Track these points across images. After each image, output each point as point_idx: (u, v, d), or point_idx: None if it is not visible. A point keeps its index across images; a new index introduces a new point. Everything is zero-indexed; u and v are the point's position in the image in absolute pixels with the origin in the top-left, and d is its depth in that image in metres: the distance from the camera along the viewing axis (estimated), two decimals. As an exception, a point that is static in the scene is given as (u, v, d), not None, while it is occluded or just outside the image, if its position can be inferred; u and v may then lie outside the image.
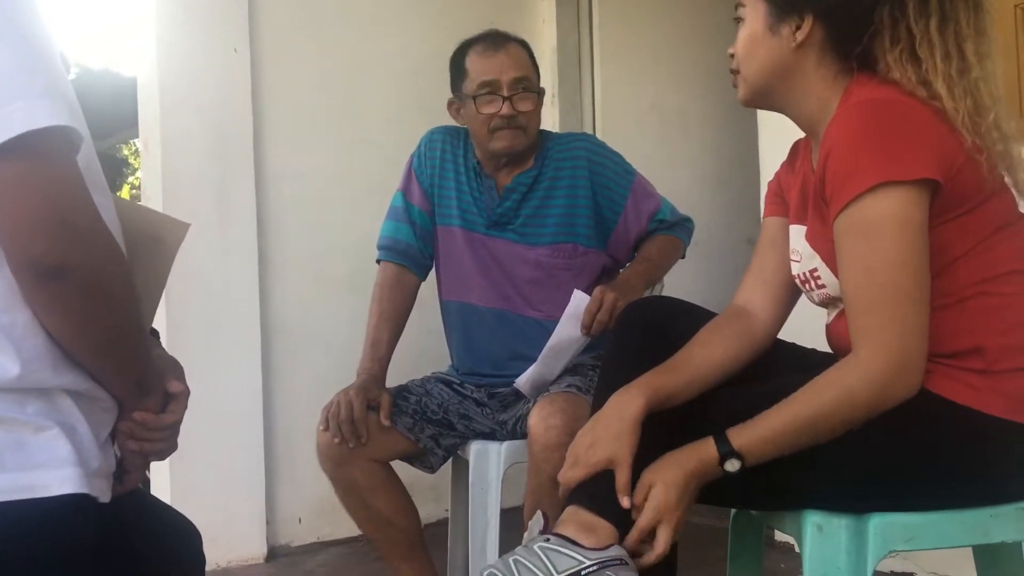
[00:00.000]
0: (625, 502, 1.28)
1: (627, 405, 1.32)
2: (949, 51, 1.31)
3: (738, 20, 1.45)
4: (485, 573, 1.25)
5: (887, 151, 1.25)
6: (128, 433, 1.11)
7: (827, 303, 1.45)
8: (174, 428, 1.15)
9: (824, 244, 1.36)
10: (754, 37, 1.41)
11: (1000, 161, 1.31)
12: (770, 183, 1.61)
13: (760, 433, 1.27)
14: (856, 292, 1.27)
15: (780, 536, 2.63)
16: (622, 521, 1.28)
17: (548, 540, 1.27)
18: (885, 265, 1.24)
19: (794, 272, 1.48)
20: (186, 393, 1.16)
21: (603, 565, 1.23)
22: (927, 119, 1.28)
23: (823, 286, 1.41)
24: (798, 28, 1.38)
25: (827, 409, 1.26)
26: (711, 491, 1.38)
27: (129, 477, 1.13)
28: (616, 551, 1.26)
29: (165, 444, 1.15)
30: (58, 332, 0.99)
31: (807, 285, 1.46)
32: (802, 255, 1.45)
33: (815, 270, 1.42)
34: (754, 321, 1.49)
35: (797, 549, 2.49)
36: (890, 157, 1.24)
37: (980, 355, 1.29)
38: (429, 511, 2.66)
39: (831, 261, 1.35)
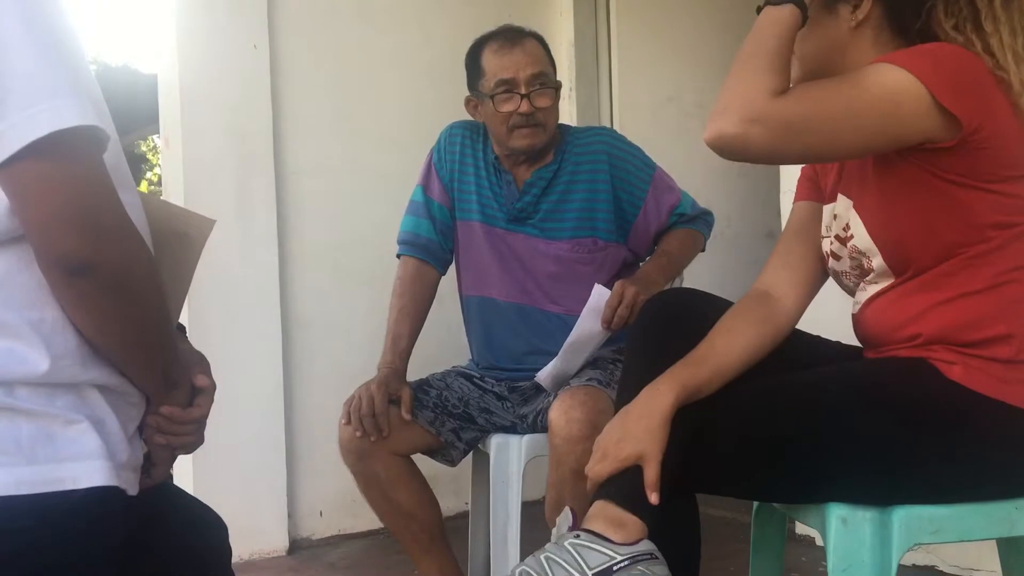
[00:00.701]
0: (654, 498, 1.28)
1: (657, 401, 1.32)
2: (1015, 27, 1.31)
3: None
4: (518, 571, 1.25)
5: (937, 64, 1.26)
6: (156, 427, 1.12)
7: (854, 265, 1.43)
8: (201, 422, 1.16)
9: (859, 188, 1.37)
10: (810, 16, 1.39)
11: None
12: (804, 167, 1.60)
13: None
14: (824, 82, 1.30)
15: (801, 529, 2.63)
16: (651, 516, 1.28)
17: (578, 536, 1.26)
18: (850, 95, 1.27)
19: (825, 249, 1.48)
20: (212, 387, 1.17)
21: (634, 560, 1.23)
22: (987, 80, 1.29)
23: (851, 237, 1.41)
24: (856, 7, 1.38)
25: (752, 68, 1.29)
26: (736, 484, 1.38)
27: (157, 470, 1.15)
28: (646, 545, 1.26)
29: (192, 438, 1.16)
30: (86, 328, 1.00)
31: (837, 252, 1.45)
32: (837, 214, 1.45)
33: (847, 225, 1.41)
34: (777, 305, 1.49)
35: (818, 542, 2.51)
36: (935, 67, 1.26)
37: (1008, 343, 1.29)
38: (450, 504, 2.67)
39: (864, 208, 1.36)
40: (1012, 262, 1.30)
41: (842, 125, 1.27)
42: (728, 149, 1.28)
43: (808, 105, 1.27)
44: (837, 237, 1.45)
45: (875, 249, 1.37)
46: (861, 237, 1.38)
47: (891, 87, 1.26)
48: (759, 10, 1.36)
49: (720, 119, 1.26)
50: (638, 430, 1.30)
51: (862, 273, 1.43)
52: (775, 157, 1.30)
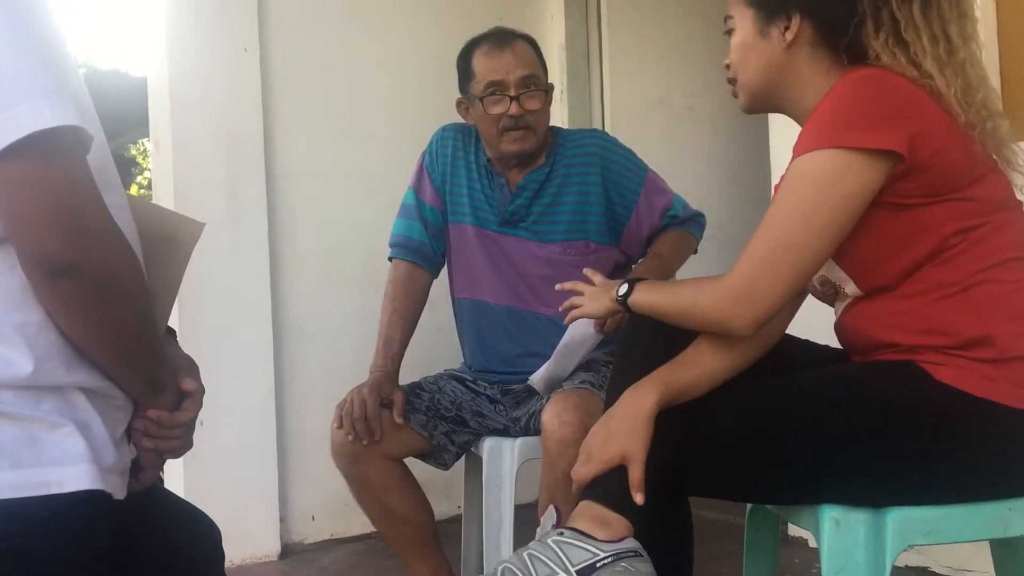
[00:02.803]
0: (639, 498, 1.28)
1: (640, 401, 1.32)
2: (935, 33, 1.33)
3: (729, 32, 1.48)
4: (500, 568, 1.25)
5: (846, 118, 1.27)
6: (143, 431, 1.11)
7: (826, 289, 1.45)
8: (189, 426, 1.15)
9: None
10: (745, 43, 1.44)
11: (989, 139, 1.33)
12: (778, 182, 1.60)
13: (652, 298, 1.42)
14: (759, 225, 1.32)
15: (793, 531, 2.63)
16: (637, 516, 1.28)
17: (562, 534, 1.27)
18: (789, 214, 1.29)
19: None
20: (200, 391, 1.16)
21: (618, 557, 1.23)
22: (910, 96, 1.29)
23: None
24: (787, 28, 1.40)
25: (689, 307, 1.36)
26: (728, 486, 1.38)
27: (145, 474, 1.14)
28: (630, 543, 1.26)
29: (180, 442, 1.15)
30: (70, 330, 0.99)
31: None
32: None
33: None
34: None
35: (811, 544, 2.50)
36: (846, 123, 1.27)
37: (990, 344, 1.29)
38: (442, 508, 2.66)
39: None
40: (979, 264, 1.31)
41: (805, 241, 1.28)
42: (758, 329, 1.32)
43: (762, 251, 1.29)
44: None
45: (847, 278, 1.39)
46: (832, 270, 1.40)
47: (823, 178, 1.26)
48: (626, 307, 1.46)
49: (724, 322, 1.31)
50: (621, 430, 1.30)
51: (836, 294, 1.45)
52: (780, 298, 1.30)
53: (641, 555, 1.26)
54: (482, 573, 2.20)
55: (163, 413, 1.11)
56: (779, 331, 1.50)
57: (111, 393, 1.05)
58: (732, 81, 1.49)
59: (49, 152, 0.92)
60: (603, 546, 1.25)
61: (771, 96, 1.46)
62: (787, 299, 1.31)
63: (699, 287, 1.36)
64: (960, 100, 1.30)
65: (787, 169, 1.32)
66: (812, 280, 1.45)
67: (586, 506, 1.30)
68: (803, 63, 1.41)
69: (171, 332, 1.24)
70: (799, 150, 1.30)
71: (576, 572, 1.23)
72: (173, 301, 1.21)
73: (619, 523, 1.27)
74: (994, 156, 1.35)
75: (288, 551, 3.00)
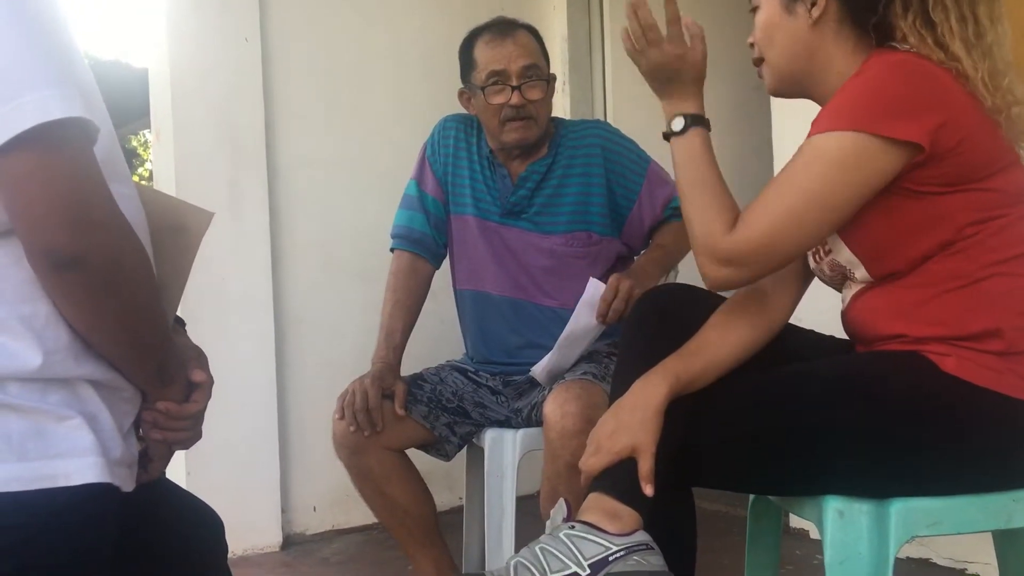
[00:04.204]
0: (648, 490, 1.28)
1: (650, 392, 1.32)
2: (964, 14, 1.32)
3: (754, 10, 1.46)
4: (513, 563, 1.25)
5: (871, 103, 1.26)
6: (152, 422, 1.11)
7: (835, 274, 1.44)
8: (198, 417, 1.15)
9: None
10: (771, 21, 1.42)
11: (1014, 124, 1.32)
12: None
13: (695, 158, 1.41)
14: (766, 191, 1.32)
15: (795, 522, 2.63)
16: (646, 508, 1.28)
17: (573, 527, 1.27)
18: (799, 189, 1.28)
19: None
20: (209, 382, 1.16)
21: (630, 550, 1.24)
22: (939, 84, 1.28)
23: (829, 252, 1.41)
24: (813, 5, 1.38)
25: (692, 216, 1.37)
26: (732, 477, 1.38)
27: (154, 465, 1.13)
28: (641, 536, 1.26)
29: (189, 433, 1.14)
30: (77, 322, 0.99)
31: (816, 256, 1.45)
32: None
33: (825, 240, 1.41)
34: (768, 302, 1.48)
35: (812, 535, 2.51)
36: (870, 109, 1.26)
37: (999, 337, 1.29)
38: (444, 499, 2.66)
39: (842, 227, 1.35)
40: (993, 256, 1.30)
41: (812, 219, 1.28)
42: (724, 288, 1.35)
43: (767, 223, 1.29)
44: (815, 252, 1.45)
45: (857, 262, 1.38)
46: (842, 252, 1.39)
47: (840, 160, 1.25)
48: (666, 137, 1.43)
49: (701, 263, 1.34)
50: (631, 422, 1.30)
51: (845, 279, 1.44)
52: (771, 270, 1.34)
53: (652, 548, 1.26)
54: (484, 564, 2.20)
55: (172, 405, 1.11)
56: (784, 318, 1.50)
57: (119, 385, 1.04)
58: (757, 62, 1.47)
59: (55, 145, 0.91)
60: (615, 539, 1.25)
61: (797, 77, 1.44)
62: (776, 269, 1.33)
63: (714, 215, 1.34)
64: (987, 84, 1.29)
65: (803, 144, 1.30)
66: (821, 264, 1.45)
67: (596, 498, 1.30)
68: (829, 42, 1.39)
69: (180, 322, 1.24)
70: (818, 127, 1.28)
71: (589, 566, 1.23)
72: (182, 291, 1.20)
73: (630, 516, 1.28)
74: (1016, 146, 1.34)
75: (290, 542, 3.00)
